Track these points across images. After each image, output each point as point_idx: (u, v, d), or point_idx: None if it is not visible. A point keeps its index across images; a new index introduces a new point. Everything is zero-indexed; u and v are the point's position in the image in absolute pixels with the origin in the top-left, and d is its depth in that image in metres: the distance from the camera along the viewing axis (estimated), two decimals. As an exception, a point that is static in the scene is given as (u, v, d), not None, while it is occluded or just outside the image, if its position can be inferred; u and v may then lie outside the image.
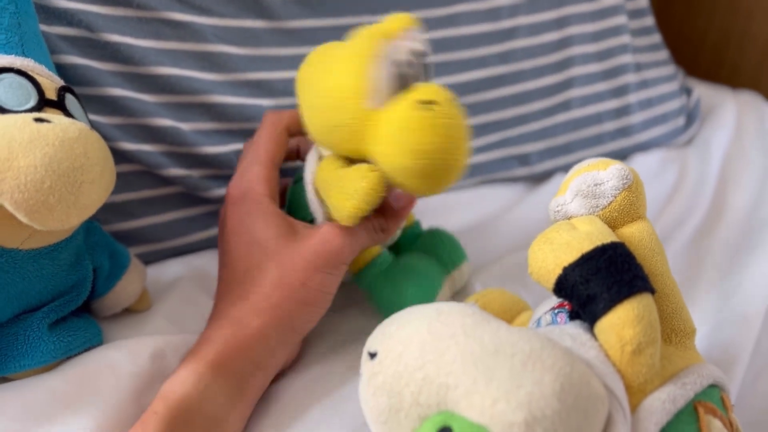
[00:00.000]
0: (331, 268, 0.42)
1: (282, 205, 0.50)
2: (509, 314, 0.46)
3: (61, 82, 0.41)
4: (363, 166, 0.39)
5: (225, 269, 0.45)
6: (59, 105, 0.39)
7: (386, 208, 0.46)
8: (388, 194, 0.44)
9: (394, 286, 0.49)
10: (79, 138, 0.35)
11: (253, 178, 0.45)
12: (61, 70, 0.49)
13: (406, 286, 0.48)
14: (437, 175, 0.37)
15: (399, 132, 0.36)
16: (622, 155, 0.78)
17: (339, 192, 0.40)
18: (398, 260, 0.51)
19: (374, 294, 0.49)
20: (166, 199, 0.56)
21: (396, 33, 0.39)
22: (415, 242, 0.55)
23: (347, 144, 0.39)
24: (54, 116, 0.36)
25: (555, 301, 0.39)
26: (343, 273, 0.44)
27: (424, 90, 0.37)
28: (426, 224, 0.62)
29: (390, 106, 0.37)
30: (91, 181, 0.35)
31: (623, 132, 0.77)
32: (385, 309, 0.49)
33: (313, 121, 0.41)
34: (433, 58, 0.68)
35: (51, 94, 0.38)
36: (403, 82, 0.38)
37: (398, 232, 0.50)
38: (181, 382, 0.37)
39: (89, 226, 0.45)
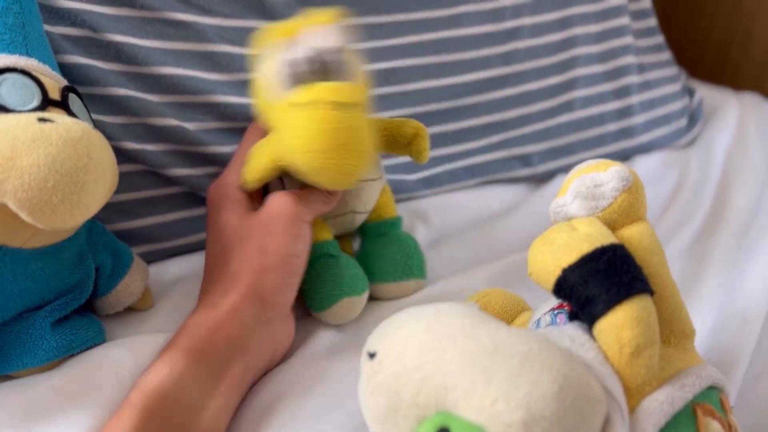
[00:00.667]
0: (286, 228, 0.43)
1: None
2: (509, 314, 0.46)
3: (64, 82, 0.41)
4: (267, 148, 0.44)
5: (205, 266, 0.47)
6: (62, 105, 0.39)
7: None
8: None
9: (309, 279, 0.48)
10: (82, 138, 0.35)
11: (228, 180, 0.48)
12: (64, 69, 0.50)
13: (312, 284, 0.48)
14: (319, 172, 0.40)
15: (279, 128, 0.42)
16: (624, 156, 0.78)
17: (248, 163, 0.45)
18: (338, 257, 0.49)
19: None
20: (169, 199, 0.56)
21: (299, 31, 0.43)
22: (382, 236, 0.53)
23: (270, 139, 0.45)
24: (57, 116, 0.36)
25: (555, 302, 0.39)
26: (305, 233, 0.45)
27: (308, 91, 0.40)
28: (428, 223, 0.62)
29: (276, 104, 0.42)
30: (94, 180, 0.35)
31: (625, 133, 0.77)
32: (304, 296, 0.49)
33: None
34: (431, 59, 0.68)
35: (54, 94, 0.39)
36: (299, 79, 0.41)
37: (359, 218, 0.51)
38: (155, 372, 0.37)
39: (92, 226, 0.45)
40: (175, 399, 0.36)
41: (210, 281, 0.45)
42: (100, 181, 0.36)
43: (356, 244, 0.56)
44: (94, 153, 0.36)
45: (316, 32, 0.42)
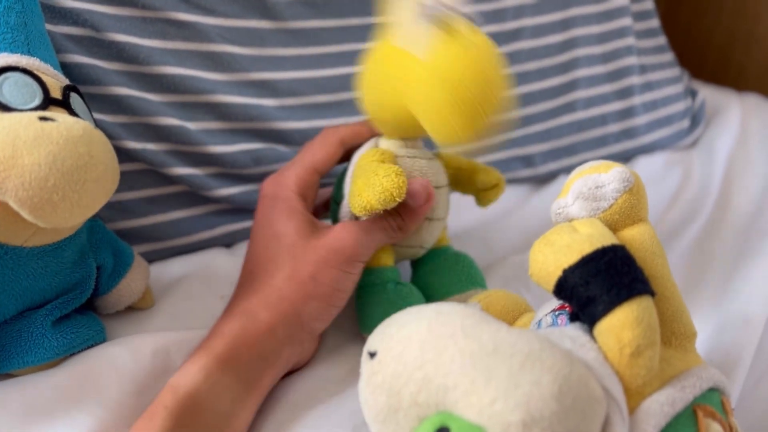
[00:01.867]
0: (342, 265, 0.42)
1: (317, 211, 0.52)
2: (511, 315, 0.46)
3: (66, 81, 0.41)
4: (393, 167, 0.41)
5: (247, 262, 0.46)
6: (64, 104, 0.39)
7: (404, 208, 0.45)
8: (408, 196, 0.43)
9: (370, 303, 0.47)
10: (83, 137, 0.35)
11: (287, 176, 0.47)
12: (66, 69, 0.50)
13: (375, 308, 0.46)
14: (468, 107, 0.37)
15: (429, 63, 0.38)
16: (626, 157, 0.78)
17: (364, 181, 0.41)
18: (395, 285, 0.47)
19: (357, 301, 0.48)
20: (170, 198, 0.56)
21: None
22: (437, 259, 0.52)
23: (387, 91, 0.43)
24: (58, 115, 0.36)
25: (556, 303, 0.39)
26: (358, 272, 0.44)
27: (457, 28, 0.38)
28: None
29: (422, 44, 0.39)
30: (94, 179, 0.35)
31: (627, 134, 0.77)
32: (360, 322, 0.48)
33: (365, 80, 0.45)
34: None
35: (56, 93, 0.39)
36: (434, 23, 0.39)
37: (422, 252, 0.50)
38: (190, 376, 0.37)
39: (93, 224, 0.45)
40: (207, 405, 0.37)
41: (250, 284, 0.44)
42: (101, 179, 0.36)
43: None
44: (95, 151, 0.36)
45: None
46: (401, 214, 0.45)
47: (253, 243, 0.46)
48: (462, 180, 0.52)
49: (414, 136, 0.47)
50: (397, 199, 0.40)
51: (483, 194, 0.52)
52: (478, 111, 0.37)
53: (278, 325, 0.41)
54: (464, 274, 0.51)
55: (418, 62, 0.39)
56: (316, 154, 0.47)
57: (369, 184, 0.40)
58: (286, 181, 0.46)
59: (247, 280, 0.45)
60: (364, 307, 0.47)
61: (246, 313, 0.42)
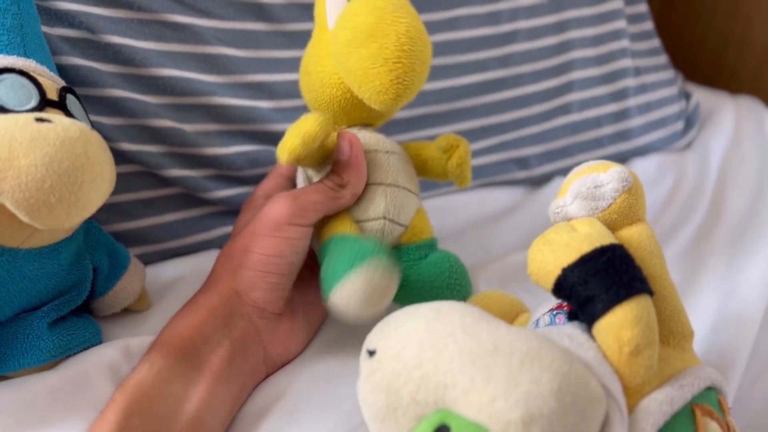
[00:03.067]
0: (271, 231, 0.42)
1: None
2: (508, 317, 0.46)
3: (62, 83, 0.41)
4: (315, 115, 0.42)
5: None
6: (60, 105, 0.39)
7: (339, 165, 0.45)
8: (336, 152, 0.45)
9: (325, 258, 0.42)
10: (80, 138, 0.35)
11: (259, 186, 0.49)
12: (62, 71, 0.50)
13: (324, 267, 0.41)
14: (385, 48, 0.40)
15: (339, 24, 0.42)
16: (620, 159, 0.78)
17: (289, 131, 0.42)
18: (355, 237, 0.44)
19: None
20: (166, 200, 0.56)
21: None
22: (421, 259, 0.48)
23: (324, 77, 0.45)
24: (55, 116, 0.36)
25: (553, 302, 0.39)
26: (292, 235, 0.42)
27: None
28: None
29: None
30: (91, 180, 0.35)
31: (622, 136, 0.77)
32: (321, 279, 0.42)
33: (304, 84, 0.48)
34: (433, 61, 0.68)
35: (52, 95, 0.39)
36: None
37: (395, 229, 0.46)
38: (135, 372, 0.38)
39: (89, 226, 0.45)
40: (156, 392, 0.37)
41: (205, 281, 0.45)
42: (97, 181, 0.36)
43: None
44: (92, 153, 0.35)
45: None
46: (338, 173, 0.44)
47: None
48: (426, 160, 0.49)
49: (356, 118, 0.48)
50: (317, 139, 0.41)
51: (450, 165, 0.49)
52: (397, 59, 0.40)
53: (216, 305, 0.41)
54: (446, 278, 0.47)
55: (331, 30, 0.43)
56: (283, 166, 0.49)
57: (291, 131, 0.42)
58: (258, 194, 0.48)
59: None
60: (322, 266, 0.42)
61: (190, 303, 0.42)
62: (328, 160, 0.46)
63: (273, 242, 0.42)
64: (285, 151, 0.42)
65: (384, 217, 0.46)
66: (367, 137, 0.47)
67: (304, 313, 0.47)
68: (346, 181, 0.44)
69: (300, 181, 0.48)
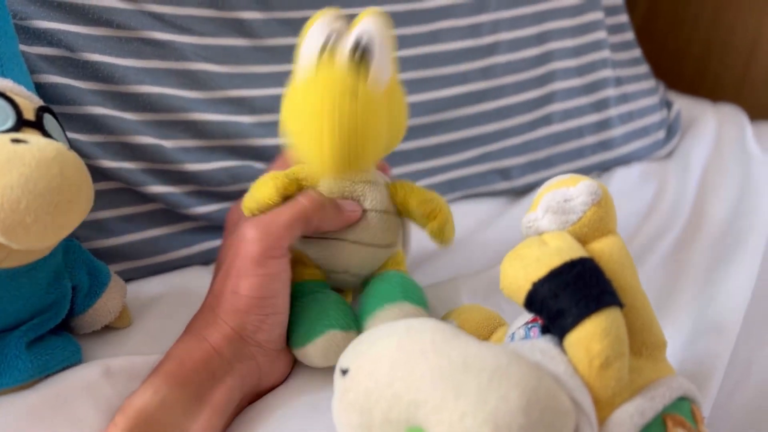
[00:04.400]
0: (253, 269, 0.41)
1: None
2: (487, 330, 0.46)
3: (39, 102, 0.41)
4: (277, 175, 0.43)
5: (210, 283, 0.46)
6: (37, 125, 0.39)
7: (335, 210, 0.44)
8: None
9: (292, 315, 0.45)
10: (56, 158, 0.35)
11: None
12: (41, 89, 0.50)
13: (295, 318, 0.45)
14: (318, 142, 0.39)
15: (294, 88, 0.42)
16: (602, 168, 0.78)
17: (248, 191, 0.44)
18: (328, 293, 0.46)
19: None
20: (147, 216, 0.56)
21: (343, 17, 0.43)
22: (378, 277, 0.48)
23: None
24: (31, 136, 0.36)
25: (529, 315, 0.39)
26: (276, 270, 0.41)
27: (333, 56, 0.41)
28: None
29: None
30: (68, 200, 0.35)
31: (604, 145, 0.78)
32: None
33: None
34: (411, 74, 0.68)
35: (29, 115, 0.38)
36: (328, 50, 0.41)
37: (352, 279, 0.48)
38: (140, 395, 0.38)
39: (68, 244, 0.45)
40: (158, 420, 0.37)
41: (203, 304, 0.44)
42: (74, 200, 0.36)
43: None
44: (68, 173, 0.36)
45: (362, 17, 0.42)
46: (322, 200, 0.44)
47: (215, 268, 0.47)
48: (410, 212, 0.48)
49: None
50: (273, 206, 0.42)
51: (429, 231, 0.48)
52: (332, 139, 0.39)
53: (222, 346, 0.41)
54: (399, 287, 0.46)
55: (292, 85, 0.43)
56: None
57: (250, 191, 0.44)
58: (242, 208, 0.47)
59: (205, 300, 0.45)
60: (293, 317, 0.45)
61: (194, 333, 0.42)
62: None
63: (259, 282, 0.41)
64: (244, 208, 0.44)
65: (345, 271, 0.47)
66: (357, 192, 0.46)
67: None
68: (327, 210, 0.44)
69: None
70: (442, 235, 0.48)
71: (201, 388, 0.39)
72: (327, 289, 0.47)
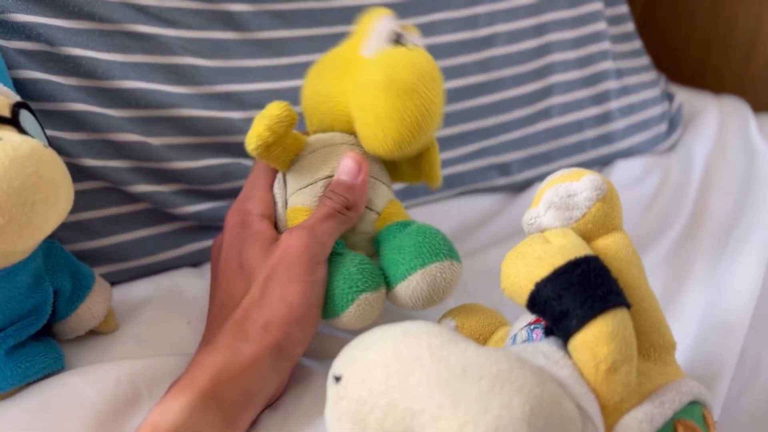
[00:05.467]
0: (303, 273, 0.40)
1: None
2: (487, 330, 0.45)
3: (16, 98, 0.39)
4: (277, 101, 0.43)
5: (215, 294, 0.44)
6: (13, 122, 0.37)
7: (341, 186, 0.44)
8: (342, 172, 0.45)
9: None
10: (31, 156, 0.34)
11: (250, 201, 0.46)
12: (20, 85, 0.48)
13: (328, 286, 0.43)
14: (406, 117, 0.40)
15: (380, 62, 0.42)
16: (603, 162, 0.77)
17: (254, 122, 0.43)
18: (346, 254, 0.45)
19: None
20: (133, 217, 0.54)
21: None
22: (396, 234, 0.46)
23: (329, 83, 0.46)
24: (5, 134, 0.35)
25: (531, 316, 0.38)
26: (322, 276, 0.41)
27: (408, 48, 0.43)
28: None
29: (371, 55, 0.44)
30: (44, 200, 0.34)
31: (605, 139, 0.76)
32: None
33: (313, 69, 0.48)
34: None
35: (4, 111, 0.37)
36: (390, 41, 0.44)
37: (367, 216, 0.46)
38: (173, 414, 0.35)
39: (49, 246, 0.43)
40: None
41: (227, 316, 0.42)
42: (51, 200, 0.35)
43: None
44: (44, 171, 0.34)
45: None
46: (343, 194, 0.43)
47: (221, 275, 0.44)
48: (398, 163, 0.48)
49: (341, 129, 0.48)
50: (283, 123, 0.42)
51: (419, 162, 0.48)
52: (413, 123, 0.41)
53: (261, 359, 0.39)
54: (426, 245, 0.44)
55: (367, 61, 0.43)
56: (269, 172, 0.47)
57: (257, 118, 0.43)
58: (250, 207, 0.45)
59: (223, 311, 0.43)
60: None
61: (228, 347, 0.39)
62: (296, 159, 0.46)
63: (310, 288, 0.40)
64: (253, 137, 0.42)
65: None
66: (338, 136, 0.47)
67: None
68: (351, 202, 0.44)
69: (277, 189, 0.46)
70: (434, 163, 0.49)
71: (233, 412, 0.38)
72: (343, 246, 0.45)
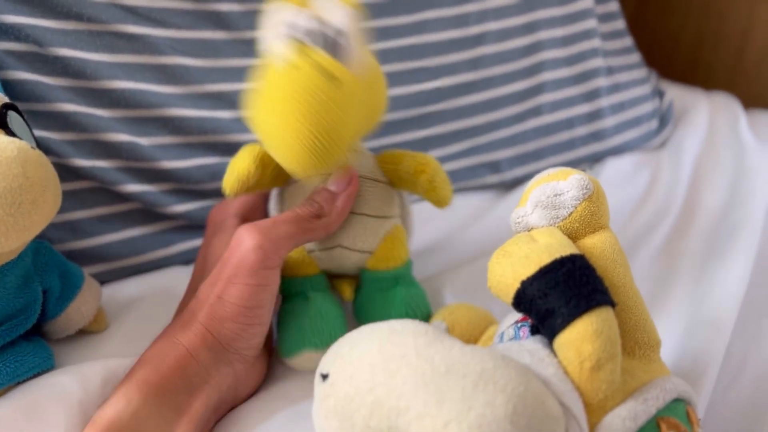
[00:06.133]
0: (245, 278, 0.39)
1: None
2: (477, 329, 0.45)
3: (4, 100, 0.39)
4: (253, 148, 0.43)
5: (189, 284, 0.45)
6: (0, 124, 0.37)
7: (321, 194, 0.43)
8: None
9: (281, 318, 0.45)
10: (18, 157, 0.34)
11: (231, 201, 0.46)
12: (8, 86, 0.48)
13: (281, 327, 0.45)
14: (284, 140, 0.37)
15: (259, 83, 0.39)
16: (594, 160, 0.77)
17: (228, 167, 0.43)
18: (312, 300, 0.45)
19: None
20: (123, 216, 0.54)
21: (311, 3, 0.38)
22: (380, 291, 0.47)
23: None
24: (-8, 135, 0.35)
25: (519, 314, 0.38)
26: (268, 282, 0.40)
27: (297, 50, 0.37)
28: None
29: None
30: (31, 201, 0.34)
31: (595, 136, 0.76)
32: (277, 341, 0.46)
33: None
34: (396, 66, 0.67)
35: (-8, 113, 0.37)
36: (296, 44, 0.37)
37: (353, 256, 0.46)
38: (112, 405, 0.36)
39: (38, 246, 0.43)
40: None
41: (181, 306, 0.43)
42: (38, 201, 0.35)
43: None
44: (31, 172, 0.34)
45: (328, 8, 0.38)
46: (320, 201, 0.42)
47: (194, 269, 0.46)
48: (402, 176, 0.46)
49: None
50: (251, 177, 0.42)
51: (418, 187, 0.46)
52: (312, 144, 0.36)
53: (197, 349, 0.39)
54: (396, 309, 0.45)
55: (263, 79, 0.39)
56: None
57: (229, 165, 0.43)
58: (228, 208, 0.46)
59: (182, 301, 0.44)
60: (279, 323, 0.45)
61: (168, 336, 0.40)
62: (293, 178, 0.45)
63: (249, 291, 0.39)
64: (225, 188, 0.43)
65: (340, 246, 0.45)
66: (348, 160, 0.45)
67: (269, 347, 0.46)
68: (326, 212, 0.42)
69: (272, 204, 0.47)
70: (434, 188, 0.46)
71: (177, 398, 0.38)
72: (321, 285, 0.45)
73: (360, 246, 0.45)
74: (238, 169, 0.42)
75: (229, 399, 0.42)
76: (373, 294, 0.47)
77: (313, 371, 0.39)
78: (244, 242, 0.39)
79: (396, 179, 0.47)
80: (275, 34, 0.38)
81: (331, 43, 0.37)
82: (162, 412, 0.37)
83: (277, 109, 0.37)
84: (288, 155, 0.37)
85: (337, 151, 0.37)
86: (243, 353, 0.41)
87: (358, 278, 0.48)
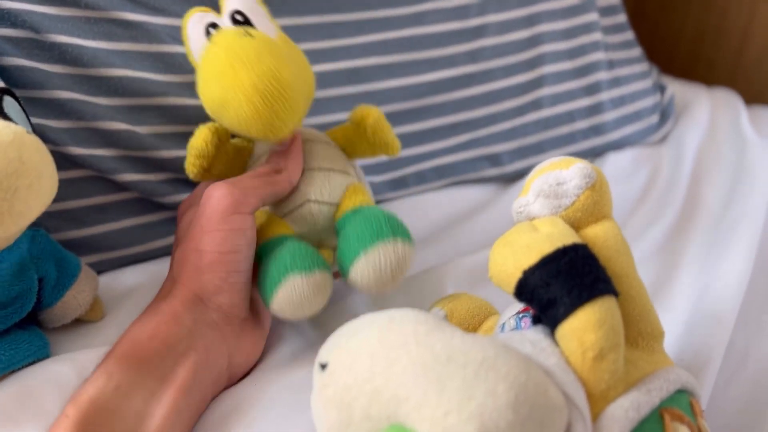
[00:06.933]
0: (218, 224, 0.39)
1: None
2: (477, 319, 0.45)
3: (0, 85, 0.39)
4: (206, 126, 0.45)
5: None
6: (-4, 109, 0.37)
7: (277, 155, 0.45)
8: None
9: (261, 267, 0.43)
10: (14, 142, 0.34)
11: (198, 188, 0.48)
12: (4, 73, 0.48)
13: (260, 273, 0.42)
14: (235, 107, 0.39)
15: (203, 65, 0.42)
16: (594, 154, 0.77)
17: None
18: (290, 239, 0.44)
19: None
20: (120, 206, 0.54)
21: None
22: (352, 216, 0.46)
23: None
24: (-13, 120, 0.35)
25: (520, 305, 0.38)
26: (241, 226, 0.40)
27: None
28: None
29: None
30: (27, 186, 0.34)
31: (596, 130, 0.76)
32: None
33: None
34: (396, 57, 0.66)
35: (-13, 98, 0.37)
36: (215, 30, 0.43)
37: (320, 209, 0.45)
38: (91, 383, 0.35)
39: (35, 234, 0.43)
40: (115, 408, 0.34)
41: (164, 283, 0.43)
42: (34, 186, 0.34)
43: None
44: (27, 157, 0.34)
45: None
46: (274, 160, 0.44)
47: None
48: (353, 139, 0.49)
49: None
50: (205, 151, 0.44)
51: (367, 131, 0.48)
52: (262, 97, 0.39)
53: (179, 311, 0.39)
54: (375, 224, 0.42)
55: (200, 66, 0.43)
56: None
57: (187, 150, 0.45)
58: (197, 193, 0.48)
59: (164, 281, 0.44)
60: (259, 273, 0.43)
61: (150, 310, 0.40)
62: (252, 160, 0.47)
63: (223, 236, 0.40)
64: (188, 170, 0.45)
65: (308, 200, 0.45)
66: None
67: (264, 317, 0.45)
68: (283, 166, 0.44)
69: None
70: (381, 129, 0.48)
71: (161, 367, 0.37)
72: (290, 239, 0.44)
73: (327, 198, 0.46)
74: (194, 145, 0.45)
75: (223, 370, 0.41)
76: (342, 228, 0.45)
77: (301, 309, 0.40)
78: (213, 194, 0.40)
79: (346, 143, 0.50)
80: (195, 28, 0.44)
81: (241, 14, 0.43)
82: (145, 383, 0.36)
83: (223, 71, 0.39)
84: (245, 106, 0.39)
85: (286, 96, 0.40)
86: (227, 311, 0.41)
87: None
